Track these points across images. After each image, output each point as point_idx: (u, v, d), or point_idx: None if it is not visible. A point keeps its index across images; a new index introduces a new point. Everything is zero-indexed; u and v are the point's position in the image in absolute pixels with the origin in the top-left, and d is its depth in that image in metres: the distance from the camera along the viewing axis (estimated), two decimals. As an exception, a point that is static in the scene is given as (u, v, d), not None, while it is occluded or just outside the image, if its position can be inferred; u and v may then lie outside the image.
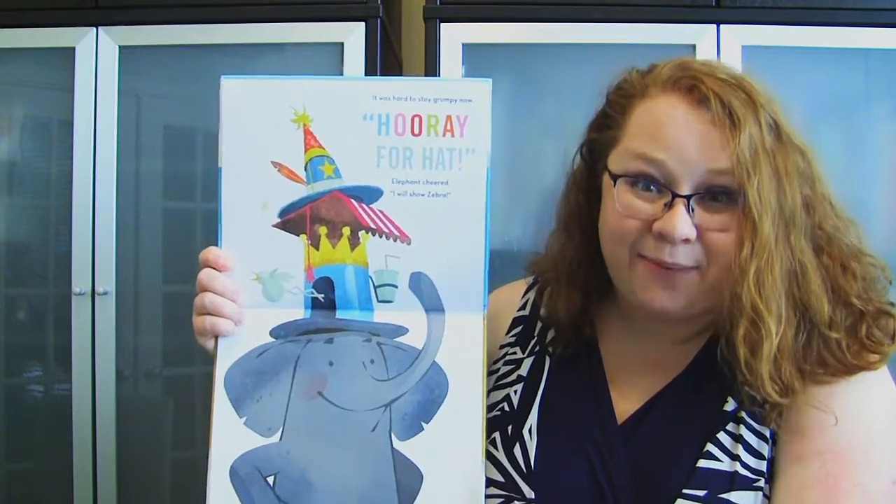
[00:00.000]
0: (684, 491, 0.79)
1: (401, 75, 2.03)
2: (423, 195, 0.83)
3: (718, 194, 0.80)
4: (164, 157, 1.71)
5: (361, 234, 0.83)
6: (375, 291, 0.84)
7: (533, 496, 0.85)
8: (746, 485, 0.79)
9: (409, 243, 0.83)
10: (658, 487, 0.80)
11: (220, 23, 1.64)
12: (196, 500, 1.91)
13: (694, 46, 1.57)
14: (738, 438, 0.81)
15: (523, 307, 0.99)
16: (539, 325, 0.97)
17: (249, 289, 0.84)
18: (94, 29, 1.64)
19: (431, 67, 1.59)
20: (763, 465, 0.80)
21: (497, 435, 0.90)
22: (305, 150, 0.83)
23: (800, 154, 0.82)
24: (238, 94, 0.83)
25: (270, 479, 0.82)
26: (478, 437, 0.82)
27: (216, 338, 0.84)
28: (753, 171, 0.78)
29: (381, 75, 1.62)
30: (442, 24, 1.60)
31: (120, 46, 1.64)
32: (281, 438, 0.82)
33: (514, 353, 0.96)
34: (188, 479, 1.74)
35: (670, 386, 0.87)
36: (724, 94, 0.80)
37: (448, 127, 0.82)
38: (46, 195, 1.73)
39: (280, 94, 0.83)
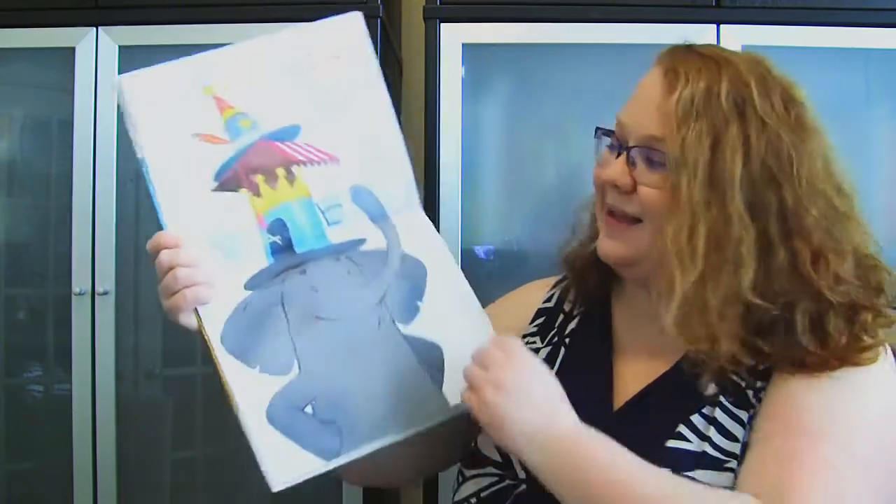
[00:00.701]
0: None
1: (401, 75, 2.03)
2: (335, 116, 0.90)
3: (653, 153, 0.85)
4: (164, 157, 1.71)
5: (295, 168, 0.88)
6: (325, 216, 0.88)
7: (523, 476, 0.88)
8: (714, 465, 0.79)
9: (338, 163, 0.89)
10: None
11: (220, 23, 1.63)
12: (196, 500, 1.92)
13: (694, 46, 1.57)
14: (711, 421, 0.82)
15: (548, 300, 1.03)
16: (560, 317, 1.00)
17: (209, 255, 0.85)
18: (94, 29, 1.64)
19: (431, 67, 1.59)
20: (735, 448, 0.80)
21: None
22: (221, 114, 0.87)
23: (774, 135, 0.82)
24: (143, 88, 0.86)
25: (309, 409, 0.84)
26: (467, 290, 0.91)
27: (196, 310, 0.84)
28: (679, 129, 0.82)
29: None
30: (442, 24, 1.60)
31: (120, 46, 1.64)
32: (300, 370, 0.84)
33: (534, 342, 0.99)
34: (188, 479, 1.75)
35: (667, 373, 0.88)
36: (683, 64, 0.86)
37: (336, 54, 0.91)
38: (46, 195, 1.73)
39: (184, 73, 0.87)
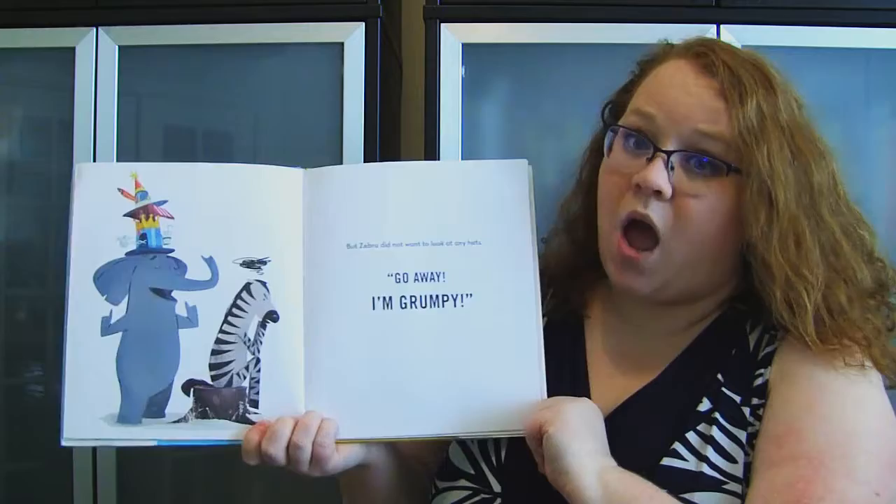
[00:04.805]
0: None
1: (401, 75, 2.03)
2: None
3: (705, 160, 0.80)
4: (164, 157, 1.71)
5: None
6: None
7: (499, 490, 0.87)
8: (712, 486, 0.78)
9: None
10: None
11: (220, 23, 1.63)
12: (196, 500, 1.91)
13: (694, 46, 1.57)
14: (708, 439, 0.80)
15: None
16: None
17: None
18: (94, 29, 1.64)
19: (431, 67, 1.59)
20: (736, 470, 0.78)
21: None
22: None
23: (811, 141, 0.83)
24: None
25: None
26: None
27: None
28: (762, 141, 0.78)
29: (380, 76, 1.62)
30: (442, 24, 1.60)
31: (120, 46, 1.64)
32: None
33: None
34: (188, 480, 1.74)
35: (648, 387, 0.87)
36: (735, 66, 0.81)
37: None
38: (46, 195, 1.73)
39: None
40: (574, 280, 0.96)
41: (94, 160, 1.64)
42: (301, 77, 1.67)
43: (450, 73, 1.59)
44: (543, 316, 0.95)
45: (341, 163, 1.59)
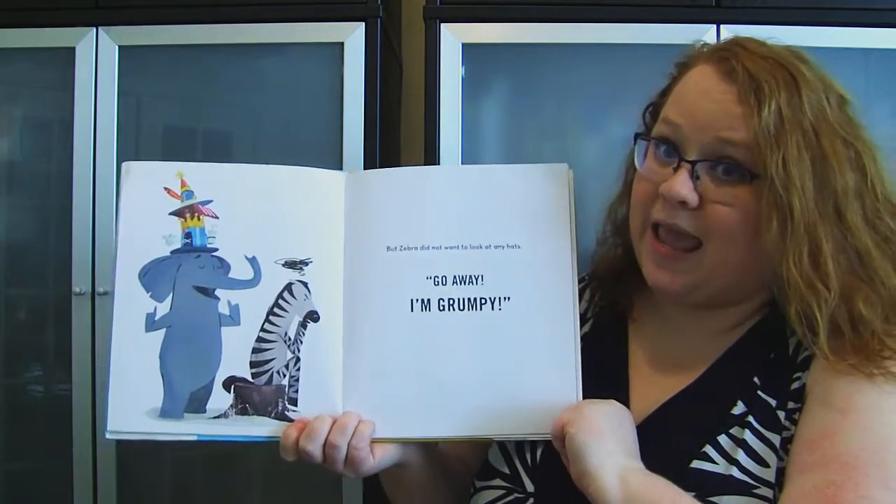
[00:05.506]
0: None
1: (401, 75, 2.03)
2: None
3: (729, 167, 0.80)
4: (164, 157, 1.71)
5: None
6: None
7: (532, 489, 0.87)
8: (741, 490, 0.77)
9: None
10: None
11: (220, 23, 1.63)
12: (196, 500, 1.91)
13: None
14: (740, 443, 0.80)
15: None
16: None
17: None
18: (94, 29, 1.64)
19: (431, 67, 1.59)
20: (768, 474, 0.78)
21: None
22: None
23: (842, 141, 0.80)
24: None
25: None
26: None
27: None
28: (777, 146, 0.77)
29: (380, 76, 1.62)
30: (442, 24, 1.60)
31: (120, 46, 1.64)
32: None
33: None
34: (188, 480, 1.74)
35: (686, 389, 0.86)
36: (756, 70, 0.80)
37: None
38: (46, 195, 1.73)
39: None
40: (621, 282, 0.96)
41: (94, 160, 1.64)
42: (301, 77, 1.67)
43: (450, 73, 1.59)
44: (590, 317, 0.95)
45: (341, 163, 1.60)
